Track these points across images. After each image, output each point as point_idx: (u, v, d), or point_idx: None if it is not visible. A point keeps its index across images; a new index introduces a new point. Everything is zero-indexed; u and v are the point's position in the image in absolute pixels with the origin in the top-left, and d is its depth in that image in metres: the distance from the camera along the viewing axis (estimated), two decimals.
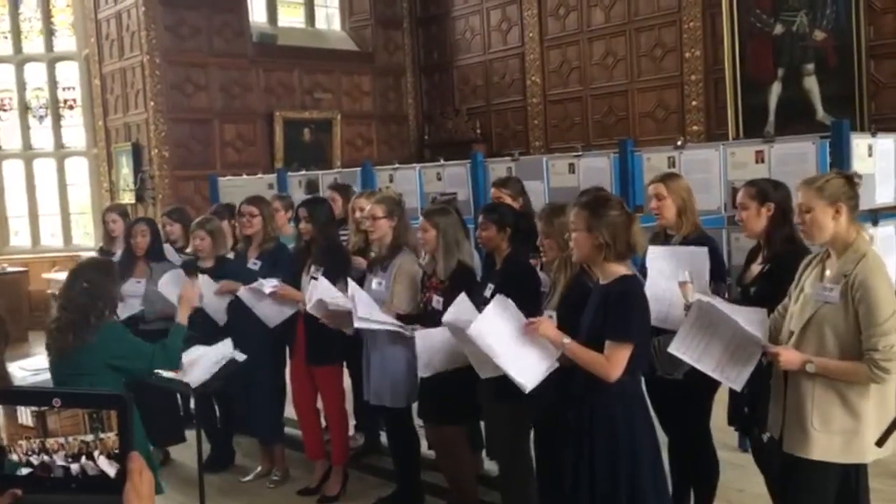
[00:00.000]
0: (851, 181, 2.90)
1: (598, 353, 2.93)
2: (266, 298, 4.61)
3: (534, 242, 4.19)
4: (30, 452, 1.22)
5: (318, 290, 4.32)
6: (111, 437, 1.21)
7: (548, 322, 3.11)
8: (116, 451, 1.21)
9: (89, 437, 1.21)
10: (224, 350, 4.20)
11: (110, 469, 1.20)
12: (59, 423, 1.23)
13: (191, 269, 5.04)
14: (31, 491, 1.22)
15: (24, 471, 1.22)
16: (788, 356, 2.85)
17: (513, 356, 3.10)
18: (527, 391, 3.10)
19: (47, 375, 4.18)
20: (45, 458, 1.22)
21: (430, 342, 3.89)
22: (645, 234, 3.26)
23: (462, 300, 3.52)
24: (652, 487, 2.99)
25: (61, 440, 1.22)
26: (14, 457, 1.23)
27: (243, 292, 4.64)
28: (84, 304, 3.52)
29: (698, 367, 3.07)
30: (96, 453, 1.21)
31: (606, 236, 2.96)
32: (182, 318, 3.95)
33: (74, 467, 1.22)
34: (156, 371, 3.89)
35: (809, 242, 3.08)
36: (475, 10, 12.60)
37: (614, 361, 2.90)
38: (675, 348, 3.07)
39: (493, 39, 12.42)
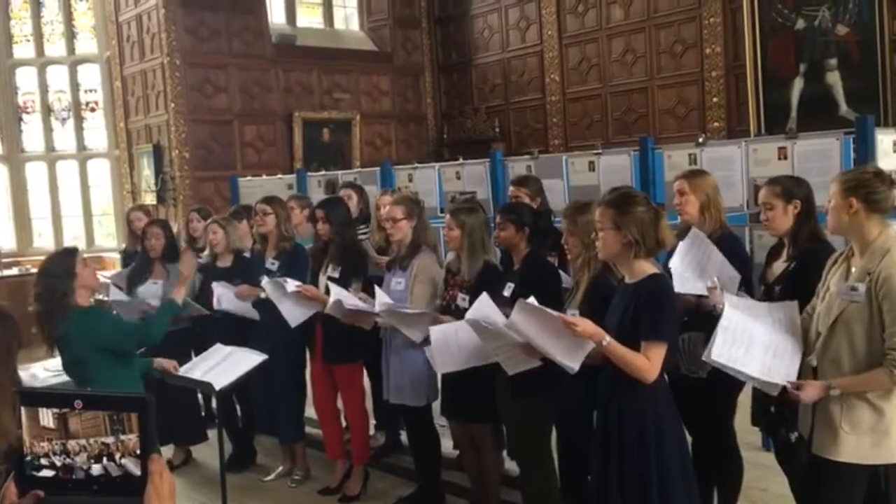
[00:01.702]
0: (882, 179, 2.83)
1: (639, 354, 2.87)
2: (288, 296, 4.62)
3: (552, 241, 4.17)
4: (51, 454, 1.22)
5: (335, 294, 4.34)
6: (132, 439, 1.21)
7: (587, 321, 3.00)
8: (138, 453, 1.21)
9: (110, 439, 1.22)
10: (254, 359, 4.25)
11: (135, 468, 1.21)
12: (81, 425, 1.24)
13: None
14: (52, 493, 1.23)
15: (47, 472, 1.23)
16: (810, 393, 2.80)
17: (551, 342, 3.04)
18: (574, 372, 3.04)
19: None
20: (67, 459, 1.22)
21: (446, 340, 3.87)
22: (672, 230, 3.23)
23: (484, 299, 3.50)
24: (681, 487, 2.96)
25: (83, 442, 1.22)
26: (34, 458, 1.23)
27: (267, 285, 4.65)
28: (42, 295, 3.73)
29: (744, 370, 2.95)
30: (117, 455, 1.21)
31: (635, 233, 2.92)
32: (177, 293, 4.14)
33: (96, 468, 1.22)
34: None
35: (829, 233, 3.03)
36: (493, 8, 12.57)
37: (653, 362, 2.87)
38: (716, 356, 2.94)
39: (512, 37, 12.38)
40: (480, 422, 4.15)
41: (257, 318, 4.94)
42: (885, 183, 2.82)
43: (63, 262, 3.80)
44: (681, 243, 3.55)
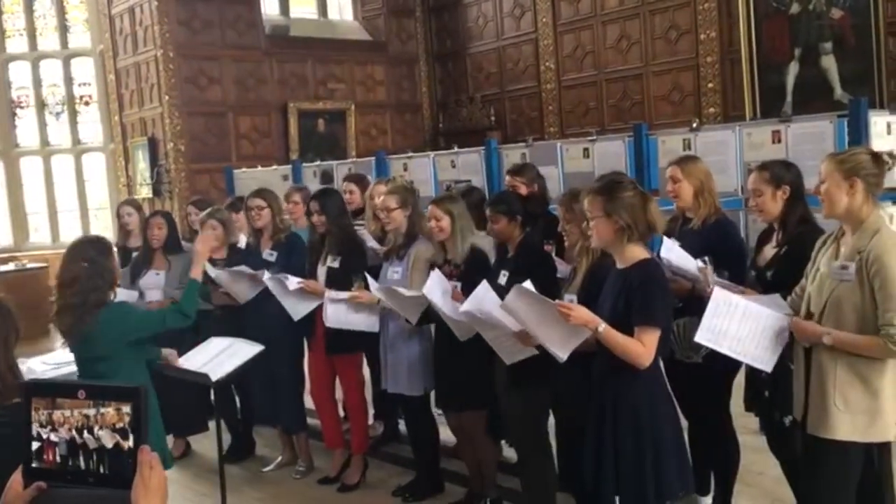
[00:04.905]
0: (878, 160, 2.85)
1: (634, 340, 2.88)
2: (290, 292, 4.62)
3: (547, 227, 4.17)
4: (38, 424, 1.31)
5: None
6: (111, 412, 1.27)
7: (582, 308, 2.99)
8: (115, 425, 1.27)
9: (91, 411, 1.29)
10: (251, 350, 4.25)
11: (109, 441, 1.27)
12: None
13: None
14: (54, 485, 1.28)
15: (33, 444, 1.31)
16: (809, 327, 2.84)
17: (545, 329, 3.05)
18: (562, 360, 3.05)
19: (69, 369, 4.24)
20: (52, 434, 1.29)
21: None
22: (663, 215, 3.23)
23: (484, 288, 3.50)
24: (676, 472, 2.96)
25: (66, 413, 1.30)
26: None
27: (269, 281, 4.65)
28: (85, 284, 3.43)
29: (727, 353, 2.99)
30: (96, 428, 1.27)
31: (626, 218, 2.91)
32: (195, 273, 3.88)
33: (92, 442, 1.28)
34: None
35: (823, 215, 3.03)
36: None
37: (647, 347, 2.87)
38: (700, 337, 2.99)
39: (506, 25, 12.36)
40: (471, 409, 4.17)
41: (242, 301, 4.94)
42: (880, 164, 2.84)
43: (109, 250, 3.59)
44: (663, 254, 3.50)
